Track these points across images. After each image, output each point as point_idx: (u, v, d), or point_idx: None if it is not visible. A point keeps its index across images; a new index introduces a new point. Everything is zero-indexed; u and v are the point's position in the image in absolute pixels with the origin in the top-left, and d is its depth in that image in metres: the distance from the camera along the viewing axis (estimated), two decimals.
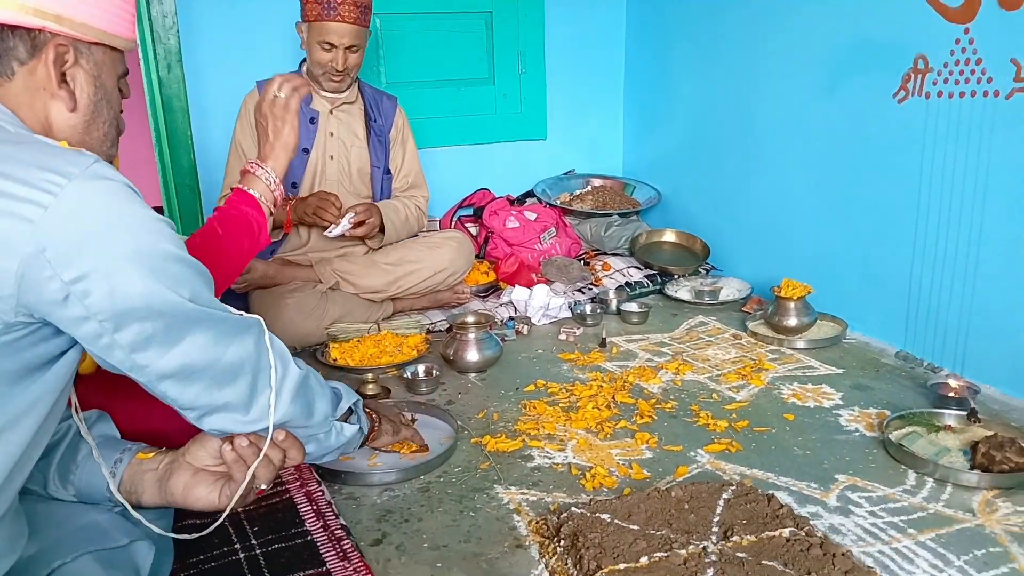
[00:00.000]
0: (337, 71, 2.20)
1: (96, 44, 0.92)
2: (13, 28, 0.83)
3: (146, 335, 0.82)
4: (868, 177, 2.14)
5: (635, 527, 1.25)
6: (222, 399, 0.92)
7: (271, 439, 0.98)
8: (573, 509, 1.30)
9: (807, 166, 2.38)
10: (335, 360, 2.06)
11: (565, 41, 3.14)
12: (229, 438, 0.98)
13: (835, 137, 2.25)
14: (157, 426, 1.27)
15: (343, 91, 2.30)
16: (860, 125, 2.14)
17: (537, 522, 1.35)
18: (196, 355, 0.87)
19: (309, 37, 2.17)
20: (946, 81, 1.86)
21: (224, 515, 1.01)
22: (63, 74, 0.89)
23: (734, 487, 1.36)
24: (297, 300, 2.16)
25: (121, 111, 1.34)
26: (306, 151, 2.30)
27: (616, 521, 1.26)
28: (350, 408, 1.20)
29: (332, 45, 2.14)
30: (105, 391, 1.32)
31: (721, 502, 1.32)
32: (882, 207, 2.11)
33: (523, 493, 1.45)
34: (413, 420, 1.61)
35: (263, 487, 1.01)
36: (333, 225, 2.17)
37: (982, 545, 1.26)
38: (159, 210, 2.69)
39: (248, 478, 0.98)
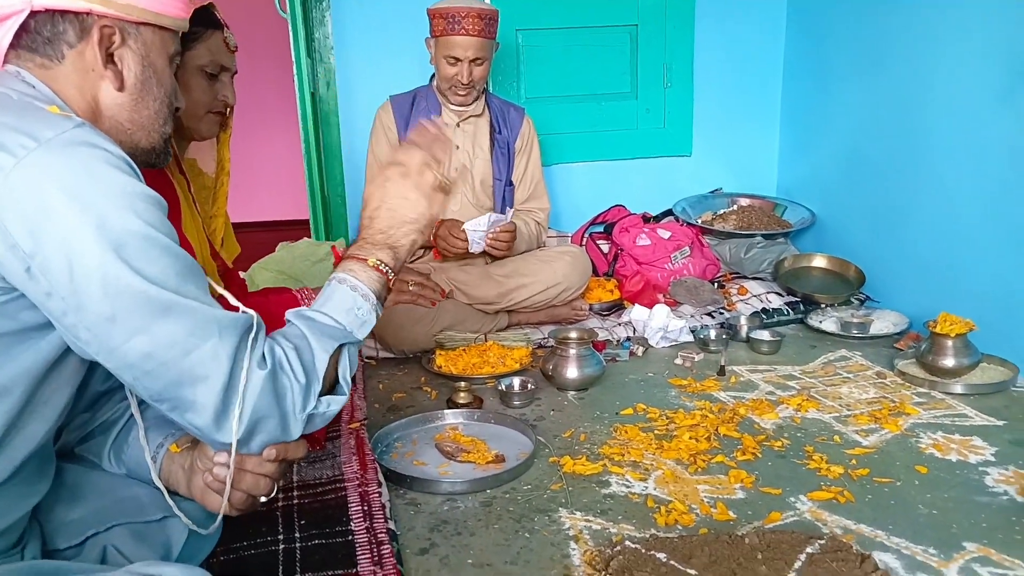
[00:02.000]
0: (463, 84, 2.23)
1: (144, 24, 0.92)
2: (63, 13, 0.86)
3: (106, 317, 0.77)
4: None
5: (692, 572, 1.11)
6: (191, 397, 0.84)
7: (240, 455, 0.91)
8: (627, 543, 1.19)
9: (980, 185, 2.06)
10: (439, 367, 2.06)
11: (716, 53, 2.98)
12: (208, 468, 0.94)
13: (1014, 151, 1.93)
14: None
15: (469, 104, 2.33)
16: None
17: (592, 553, 1.24)
18: (164, 346, 0.80)
19: (436, 52, 2.23)
20: None
21: (220, 516, 0.99)
22: (110, 55, 0.90)
23: (823, 541, 1.18)
24: (410, 306, 2.19)
25: (224, 113, 1.39)
26: None
27: (672, 562, 1.13)
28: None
29: (457, 59, 2.18)
30: None
31: (803, 556, 1.14)
32: None
33: (587, 520, 1.35)
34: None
35: (263, 499, 0.98)
36: (472, 243, 2.21)
37: None
38: (305, 223, 2.91)
39: (226, 499, 0.94)
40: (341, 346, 0.95)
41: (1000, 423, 1.69)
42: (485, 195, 2.40)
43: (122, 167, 0.80)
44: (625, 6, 2.88)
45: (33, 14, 0.85)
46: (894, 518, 1.33)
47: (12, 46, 0.87)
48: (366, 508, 1.30)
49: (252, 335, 0.87)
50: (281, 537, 1.22)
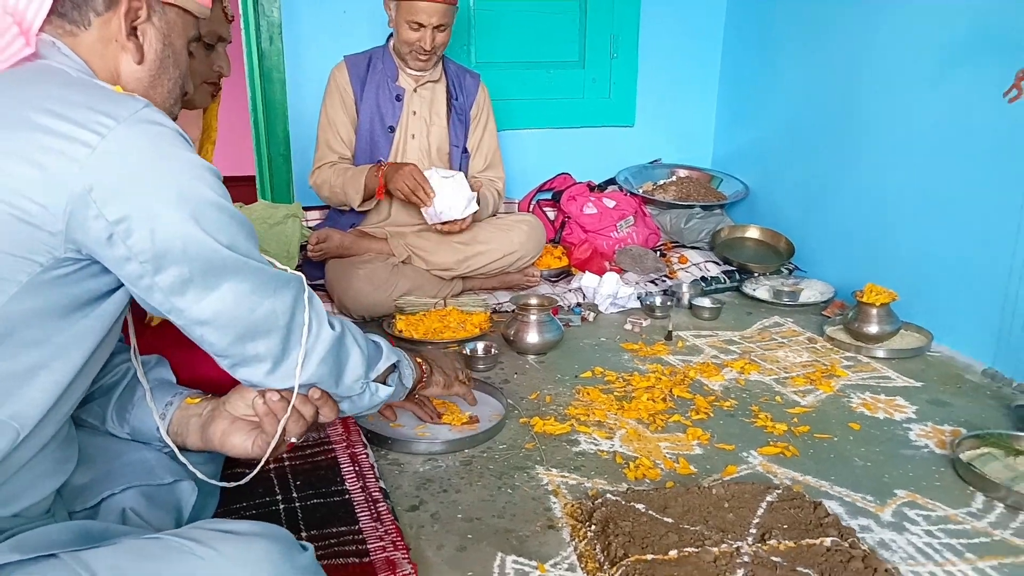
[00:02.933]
0: (425, 50, 2.23)
1: (170, 4, 0.95)
2: None
3: (184, 278, 0.84)
4: (970, 179, 2.00)
5: (669, 520, 1.23)
6: (254, 351, 0.93)
7: (297, 395, 1.00)
8: (608, 496, 1.29)
9: (906, 165, 2.24)
10: (400, 331, 2.11)
11: (660, 26, 3.07)
12: (261, 391, 1.01)
13: (939, 134, 2.11)
14: (210, 375, 1.33)
15: (428, 69, 2.33)
16: (964, 122, 2.01)
17: (573, 505, 1.34)
18: (231, 304, 0.88)
19: (398, 16, 2.21)
20: None
21: (260, 465, 1.05)
22: (134, 28, 0.92)
23: (780, 491, 1.32)
24: (369, 271, 2.22)
25: (216, 83, 1.41)
26: (392, 129, 2.35)
27: (650, 512, 1.24)
28: (393, 366, 1.21)
29: (420, 25, 2.18)
30: (166, 340, 1.40)
31: (764, 504, 1.27)
32: (982, 213, 1.97)
33: (563, 476, 1.45)
34: (469, 378, 1.61)
35: (293, 440, 1.04)
36: (432, 209, 2.22)
37: None
38: (251, 179, 2.86)
39: (279, 431, 1.01)
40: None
41: (919, 384, 1.88)
42: (441, 162, 2.43)
43: (187, 144, 0.85)
44: None
45: None
46: (834, 470, 1.49)
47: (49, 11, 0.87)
48: (357, 468, 1.36)
49: (307, 293, 0.98)
50: (279, 498, 1.27)
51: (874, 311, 2.08)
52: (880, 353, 2.05)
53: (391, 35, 2.35)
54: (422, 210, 2.24)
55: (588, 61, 3.04)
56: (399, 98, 2.35)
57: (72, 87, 0.81)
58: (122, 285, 0.88)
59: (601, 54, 3.05)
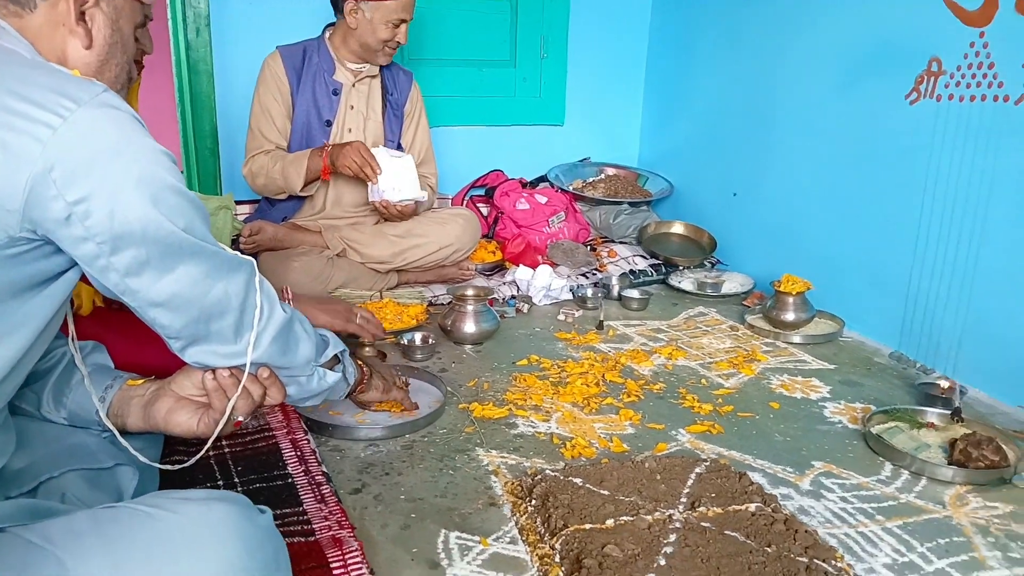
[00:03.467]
0: (399, 45, 2.27)
1: None
2: None
3: (140, 260, 0.85)
4: (876, 178, 2.15)
5: (605, 492, 1.28)
6: (207, 331, 0.95)
7: (248, 373, 1.01)
8: (547, 472, 1.34)
9: (818, 165, 2.38)
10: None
11: (589, 28, 3.16)
12: (212, 370, 1.02)
13: (847, 137, 2.25)
14: (149, 362, 1.32)
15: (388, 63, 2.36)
16: (870, 125, 2.15)
17: (513, 483, 1.38)
18: (187, 285, 0.89)
19: (374, 16, 2.19)
20: (958, 84, 1.86)
21: (207, 446, 1.05)
22: (82, 12, 0.92)
23: (708, 463, 1.39)
24: (303, 263, 2.21)
25: (140, 62, 1.39)
26: (329, 123, 2.35)
27: (587, 486, 1.30)
28: (337, 357, 1.24)
29: (402, 20, 2.22)
30: (103, 327, 1.38)
31: (693, 476, 1.35)
32: (887, 209, 2.11)
33: (503, 457, 1.49)
34: (406, 384, 1.65)
35: (240, 419, 1.05)
36: (377, 187, 2.22)
37: (947, 535, 1.28)
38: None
39: (229, 409, 1.02)
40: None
41: (832, 367, 2.01)
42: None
43: (144, 129, 0.86)
44: None
45: None
46: (757, 445, 1.58)
47: None
48: (299, 454, 1.37)
49: (258, 277, 1.00)
50: (221, 483, 1.26)
51: (791, 300, 2.20)
52: (796, 339, 2.18)
53: (327, 27, 2.35)
54: (369, 188, 2.25)
55: (519, 61, 3.10)
56: (336, 92, 2.35)
57: (33, 69, 0.81)
58: (72, 267, 0.88)
59: (532, 54, 3.11)
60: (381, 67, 2.41)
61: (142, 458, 1.07)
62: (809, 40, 2.38)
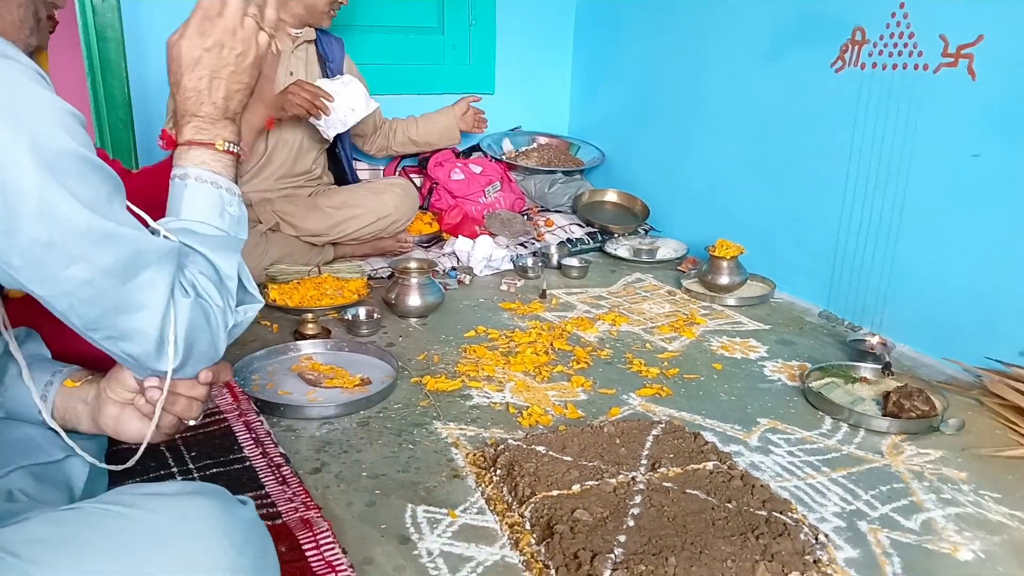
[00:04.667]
0: (339, 4, 2.23)
1: None
2: None
3: (44, 243, 0.73)
4: (802, 145, 2.22)
5: (568, 458, 1.30)
6: (129, 325, 0.81)
7: (179, 382, 0.92)
8: (510, 441, 1.35)
9: (745, 133, 2.45)
10: (274, 300, 2.04)
11: None
12: (141, 388, 0.93)
13: (773, 105, 2.32)
14: (85, 348, 1.24)
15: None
16: (797, 94, 2.22)
17: (474, 454, 1.38)
18: (100, 273, 0.77)
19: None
20: (880, 53, 1.94)
21: (143, 447, 0.98)
22: None
23: (663, 425, 1.43)
24: None
25: (52, 17, 1.25)
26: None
27: (551, 453, 1.31)
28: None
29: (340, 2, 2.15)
30: (33, 312, 1.29)
31: (650, 438, 1.38)
32: (814, 174, 2.19)
33: (461, 429, 1.49)
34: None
35: (191, 423, 0.99)
36: (334, 117, 2.18)
37: (888, 482, 1.36)
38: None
39: (154, 423, 0.94)
40: None
41: (767, 327, 2.09)
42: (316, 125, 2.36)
43: (43, 82, 0.75)
44: None
45: None
46: (704, 405, 1.63)
47: None
48: (253, 436, 1.33)
49: (176, 261, 0.86)
50: (175, 470, 1.21)
51: (725, 264, 2.27)
52: (731, 301, 2.25)
53: None
54: (320, 124, 2.18)
55: (447, 27, 3.04)
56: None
57: None
58: None
59: (460, 20, 3.06)
60: (317, 35, 2.33)
61: (90, 459, 1.00)
62: (736, 9, 2.42)
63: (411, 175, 2.91)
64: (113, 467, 1.04)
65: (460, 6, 3.03)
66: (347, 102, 2.20)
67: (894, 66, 1.91)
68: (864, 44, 1.98)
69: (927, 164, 1.87)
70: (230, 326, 0.91)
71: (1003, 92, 1.68)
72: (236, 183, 0.95)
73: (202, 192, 0.91)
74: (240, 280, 0.93)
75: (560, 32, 3.26)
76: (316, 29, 2.34)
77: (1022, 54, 1.64)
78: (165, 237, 0.88)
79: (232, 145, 0.94)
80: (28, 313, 1.21)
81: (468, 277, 2.36)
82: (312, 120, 2.18)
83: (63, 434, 1.00)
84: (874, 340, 1.90)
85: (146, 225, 0.87)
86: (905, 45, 1.87)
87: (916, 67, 1.85)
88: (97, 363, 1.12)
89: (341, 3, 2.24)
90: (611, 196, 2.97)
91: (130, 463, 1.01)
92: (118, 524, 0.72)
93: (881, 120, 1.96)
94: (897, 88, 1.91)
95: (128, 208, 0.84)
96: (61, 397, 1.01)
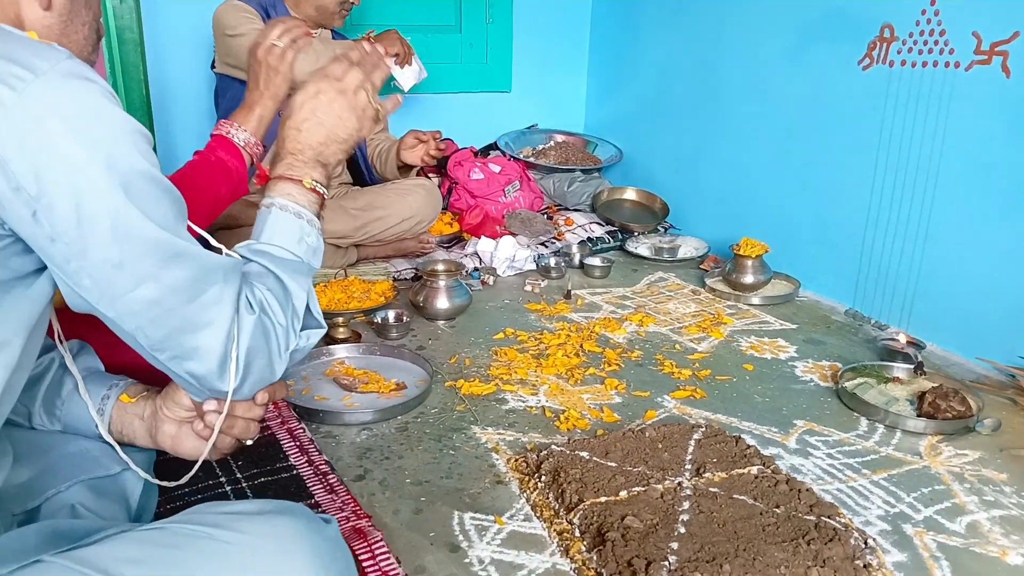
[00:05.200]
0: (351, 5, 2.22)
1: None
2: None
3: (114, 263, 0.74)
4: (828, 142, 2.22)
5: (613, 464, 1.30)
6: (193, 344, 0.82)
7: (242, 402, 0.94)
8: (553, 447, 1.35)
9: (768, 129, 2.44)
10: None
11: None
12: (200, 413, 0.95)
13: (797, 102, 2.31)
14: (137, 360, 1.25)
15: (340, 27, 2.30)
16: (823, 91, 2.21)
17: (516, 460, 1.39)
18: (169, 292, 0.78)
19: None
20: (910, 51, 1.93)
21: (197, 464, 1.00)
22: None
23: (704, 429, 1.43)
24: None
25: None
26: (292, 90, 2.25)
27: (595, 459, 1.31)
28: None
29: None
30: (81, 322, 1.29)
31: (692, 442, 1.38)
32: (840, 171, 2.19)
33: (500, 433, 1.49)
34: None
35: (248, 442, 1.00)
36: (413, 68, 2.41)
37: (928, 484, 1.36)
38: None
39: (213, 439, 0.96)
40: None
41: (794, 326, 2.08)
42: None
43: (117, 101, 0.75)
44: None
45: None
46: (740, 407, 1.63)
47: None
48: (298, 444, 1.33)
49: (240, 278, 0.86)
50: (223, 480, 1.22)
51: (749, 263, 2.27)
52: (756, 300, 2.25)
53: None
54: (404, 73, 2.39)
55: (465, 26, 3.04)
56: None
57: None
58: (45, 267, 0.77)
59: (478, 19, 3.05)
60: (333, 35, 2.32)
61: (143, 474, 1.02)
62: (758, 4, 2.41)
63: (429, 173, 2.91)
64: (168, 483, 1.04)
65: (478, 5, 3.03)
66: (416, 64, 2.44)
67: (924, 64, 1.90)
68: (893, 41, 1.97)
69: (957, 163, 1.86)
70: (292, 348, 0.92)
71: None
72: (319, 219, 1.00)
73: (284, 220, 0.95)
74: (308, 306, 0.94)
75: (576, 29, 3.26)
76: (332, 30, 2.33)
77: None
78: (227, 255, 0.89)
79: (319, 185, 1.00)
80: (79, 325, 1.22)
81: (491, 278, 2.36)
82: (395, 69, 2.33)
83: (119, 449, 1.01)
84: (903, 339, 1.90)
85: (205, 244, 0.88)
86: (936, 43, 1.86)
87: (948, 64, 1.85)
88: (149, 375, 1.12)
89: (353, 3, 2.23)
90: (630, 194, 2.97)
91: (184, 480, 1.02)
92: (207, 544, 0.73)
93: (910, 118, 1.96)
94: (927, 86, 1.90)
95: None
96: (117, 412, 1.02)
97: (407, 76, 2.41)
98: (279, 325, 0.88)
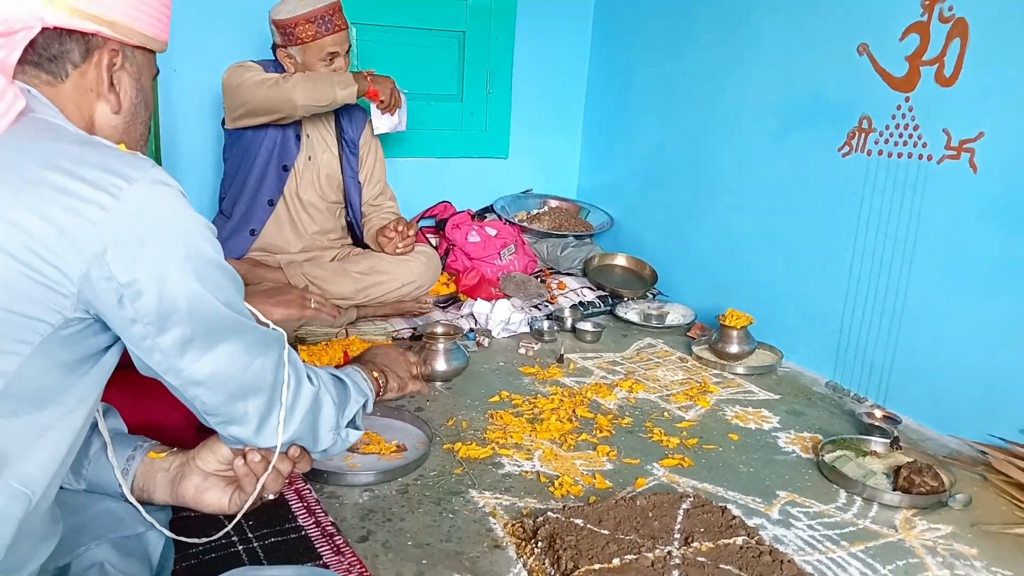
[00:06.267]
0: (338, 64, 2.31)
1: (138, 47, 0.95)
2: (69, 32, 0.87)
3: (185, 339, 0.86)
4: (810, 221, 2.34)
5: (606, 531, 1.37)
6: (243, 409, 0.96)
7: (278, 454, 1.04)
8: (549, 514, 1.41)
9: (753, 206, 2.57)
10: (304, 362, 2.11)
11: (532, 65, 3.27)
12: (242, 452, 1.04)
13: (781, 182, 2.44)
14: (156, 419, 1.32)
15: None
16: (805, 173, 2.35)
17: (512, 525, 1.45)
18: (226, 363, 0.91)
19: (306, 57, 2.24)
20: (887, 142, 2.07)
21: (234, 521, 1.08)
22: (111, 77, 0.92)
23: (691, 499, 1.50)
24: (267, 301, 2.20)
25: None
26: (298, 138, 2.37)
27: (589, 526, 1.38)
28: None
29: (334, 55, 2.23)
30: (110, 385, 1.36)
31: (681, 512, 1.45)
32: (821, 249, 2.31)
33: (496, 498, 1.55)
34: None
35: (271, 496, 1.08)
36: (396, 117, 2.40)
37: (903, 556, 1.43)
38: None
39: (258, 489, 1.05)
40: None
41: (777, 396, 2.17)
42: (331, 189, 2.46)
43: (187, 201, 0.86)
44: (455, 13, 3.06)
45: (42, 31, 0.85)
46: (725, 477, 1.70)
47: (19, 61, 0.86)
48: (305, 504, 1.39)
49: (286, 350, 1.00)
50: (235, 539, 1.27)
51: (735, 333, 2.36)
52: (740, 370, 2.34)
53: (274, 46, 2.35)
54: (383, 120, 2.39)
55: (466, 95, 3.17)
56: (299, 123, 2.36)
57: (81, 146, 0.80)
58: (117, 340, 0.88)
59: (478, 89, 3.19)
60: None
61: (168, 534, 1.09)
62: (743, 90, 2.57)
63: (427, 235, 3.01)
64: (197, 540, 1.10)
65: (479, 75, 3.17)
66: (401, 114, 2.46)
67: (899, 155, 2.04)
68: (871, 132, 2.11)
69: (931, 247, 1.98)
70: (339, 428, 1.13)
71: (1003, 185, 1.81)
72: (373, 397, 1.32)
73: (356, 375, 1.28)
74: (355, 416, 1.19)
75: (572, 100, 3.41)
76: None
77: (1018, 152, 1.77)
78: (273, 329, 1.02)
79: (380, 377, 1.43)
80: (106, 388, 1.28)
81: (487, 340, 2.44)
82: (375, 112, 2.36)
83: (142, 510, 1.07)
84: (880, 414, 1.99)
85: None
86: (911, 136, 2.00)
87: (921, 156, 1.98)
88: (164, 434, 1.20)
89: (335, 61, 2.27)
90: (620, 260, 3.08)
91: (217, 536, 1.09)
92: None
93: (887, 204, 2.09)
94: (903, 175, 2.03)
95: None
96: (142, 469, 1.09)
97: (383, 123, 2.43)
98: (333, 404, 1.10)
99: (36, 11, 0.83)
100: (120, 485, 1.07)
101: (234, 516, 1.25)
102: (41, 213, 0.75)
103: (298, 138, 2.35)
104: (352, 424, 1.21)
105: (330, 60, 2.24)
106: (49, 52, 0.87)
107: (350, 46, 2.32)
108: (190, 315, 0.85)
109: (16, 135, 0.80)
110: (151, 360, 0.87)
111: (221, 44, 2.63)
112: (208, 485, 1.08)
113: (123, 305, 0.80)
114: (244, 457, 1.05)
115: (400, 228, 2.40)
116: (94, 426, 1.09)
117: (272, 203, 2.39)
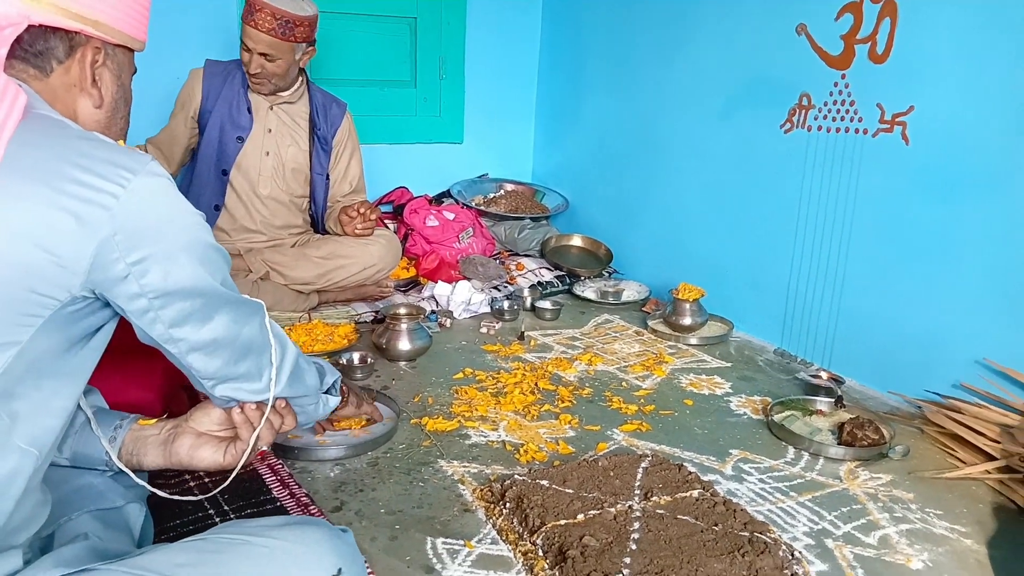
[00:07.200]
0: (251, 74, 2.27)
1: (119, 46, 1.00)
2: (54, 30, 0.91)
3: (185, 312, 0.94)
4: (755, 196, 2.45)
5: (570, 491, 1.44)
6: (237, 371, 1.06)
7: (272, 406, 1.11)
8: (515, 477, 1.48)
9: (702, 183, 2.66)
10: None
11: (483, 49, 3.31)
12: (239, 405, 1.10)
13: (728, 159, 2.54)
14: (133, 399, 1.35)
15: (266, 93, 2.34)
16: (750, 150, 2.44)
17: (481, 489, 1.51)
18: (222, 331, 1.00)
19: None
20: (825, 117, 2.17)
21: (233, 474, 1.15)
22: (93, 73, 0.96)
23: (650, 458, 1.58)
24: None
25: None
26: (240, 139, 2.34)
27: (554, 486, 1.45)
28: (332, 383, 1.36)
29: (247, 48, 2.21)
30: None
31: (640, 470, 1.53)
32: (766, 223, 2.41)
33: (464, 466, 1.61)
34: (373, 398, 1.75)
35: (264, 448, 1.13)
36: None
37: (847, 504, 1.53)
38: None
39: (254, 439, 1.10)
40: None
41: (728, 364, 2.27)
42: (296, 183, 2.45)
43: (179, 192, 0.93)
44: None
45: (27, 28, 0.89)
46: (681, 438, 1.79)
47: (7, 56, 0.89)
48: (278, 478, 1.42)
49: (267, 318, 1.10)
50: (212, 512, 1.30)
51: (687, 306, 2.46)
52: (694, 340, 2.43)
53: None
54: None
55: (420, 81, 3.20)
56: (250, 110, 2.35)
57: (88, 141, 0.86)
58: (111, 319, 0.93)
59: (431, 75, 3.22)
60: (311, 98, 2.43)
61: (162, 493, 1.14)
62: (690, 72, 2.65)
63: (386, 220, 3.04)
64: (190, 498, 1.17)
65: (432, 62, 3.20)
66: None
67: (837, 130, 2.14)
68: (810, 109, 2.22)
69: (869, 217, 2.09)
70: (321, 389, 1.28)
71: (933, 156, 1.92)
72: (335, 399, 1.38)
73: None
74: (332, 387, 1.36)
75: (524, 84, 3.47)
76: (309, 93, 2.44)
77: (946, 124, 1.89)
78: (253, 300, 1.09)
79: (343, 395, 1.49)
80: None
81: (448, 320, 2.49)
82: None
83: (131, 473, 1.12)
84: (825, 376, 2.10)
85: None
86: (847, 112, 2.11)
87: (857, 131, 2.09)
88: (142, 412, 1.23)
89: (250, 72, 2.25)
90: (576, 240, 3.15)
91: (220, 488, 1.16)
92: (247, 549, 0.88)
93: (827, 177, 2.19)
94: (841, 149, 2.14)
95: None
96: (131, 436, 1.14)
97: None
98: (313, 368, 1.25)
99: (23, 9, 0.87)
100: (108, 453, 1.11)
101: (206, 496, 1.31)
102: (60, 204, 0.80)
103: (249, 111, 2.34)
104: (330, 392, 1.30)
105: (246, 49, 2.20)
106: (35, 48, 0.91)
107: (273, 57, 2.22)
108: (192, 292, 0.93)
109: (28, 131, 0.83)
110: (153, 331, 0.93)
111: (186, 42, 2.62)
112: (201, 443, 1.15)
113: (128, 281, 0.87)
114: (242, 408, 1.12)
115: (363, 210, 2.43)
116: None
117: (226, 172, 2.36)
